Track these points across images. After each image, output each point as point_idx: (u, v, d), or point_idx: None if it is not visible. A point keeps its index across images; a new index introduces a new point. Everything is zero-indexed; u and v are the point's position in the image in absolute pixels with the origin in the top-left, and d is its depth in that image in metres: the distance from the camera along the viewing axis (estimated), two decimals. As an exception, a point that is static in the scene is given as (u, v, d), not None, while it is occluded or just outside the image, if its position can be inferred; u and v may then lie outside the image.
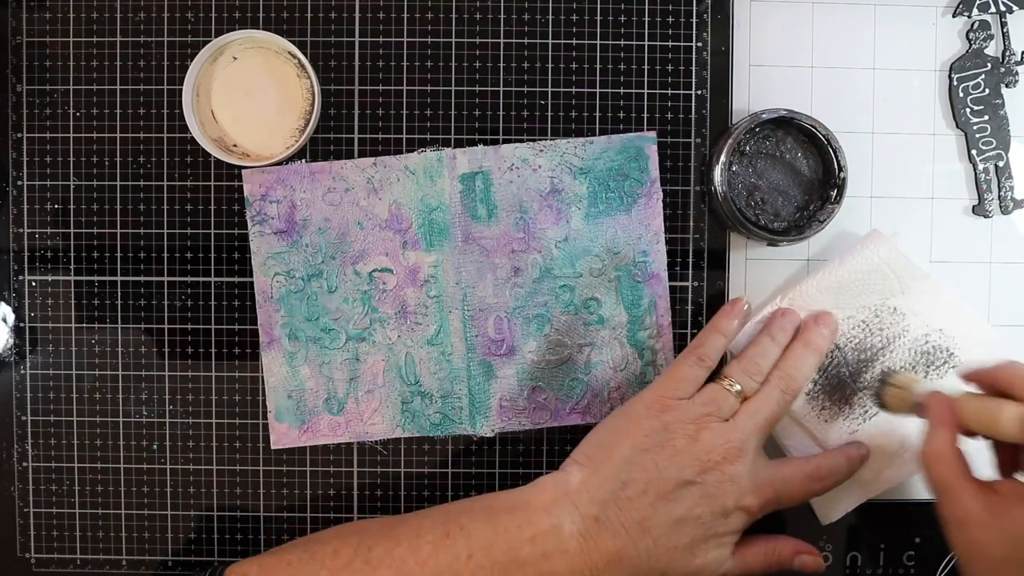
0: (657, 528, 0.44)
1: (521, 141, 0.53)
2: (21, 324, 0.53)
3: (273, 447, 0.53)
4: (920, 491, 0.54)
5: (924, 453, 0.43)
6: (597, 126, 0.53)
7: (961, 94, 0.54)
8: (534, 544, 0.43)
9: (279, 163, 0.52)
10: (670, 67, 0.53)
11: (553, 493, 0.45)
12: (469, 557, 0.43)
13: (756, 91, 0.54)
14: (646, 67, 0.53)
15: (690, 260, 0.54)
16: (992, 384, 0.43)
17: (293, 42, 0.51)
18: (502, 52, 0.53)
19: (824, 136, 0.51)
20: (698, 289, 0.54)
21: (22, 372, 0.53)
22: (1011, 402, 0.41)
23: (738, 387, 0.47)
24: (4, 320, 0.53)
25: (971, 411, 0.42)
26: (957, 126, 0.54)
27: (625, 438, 0.46)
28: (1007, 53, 0.54)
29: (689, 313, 0.54)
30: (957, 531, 0.41)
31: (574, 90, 0.53)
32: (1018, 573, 0.40)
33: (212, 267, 0.53)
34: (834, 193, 0.51)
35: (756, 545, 0.48)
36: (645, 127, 0.53)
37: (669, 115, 0.53)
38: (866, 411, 0.52)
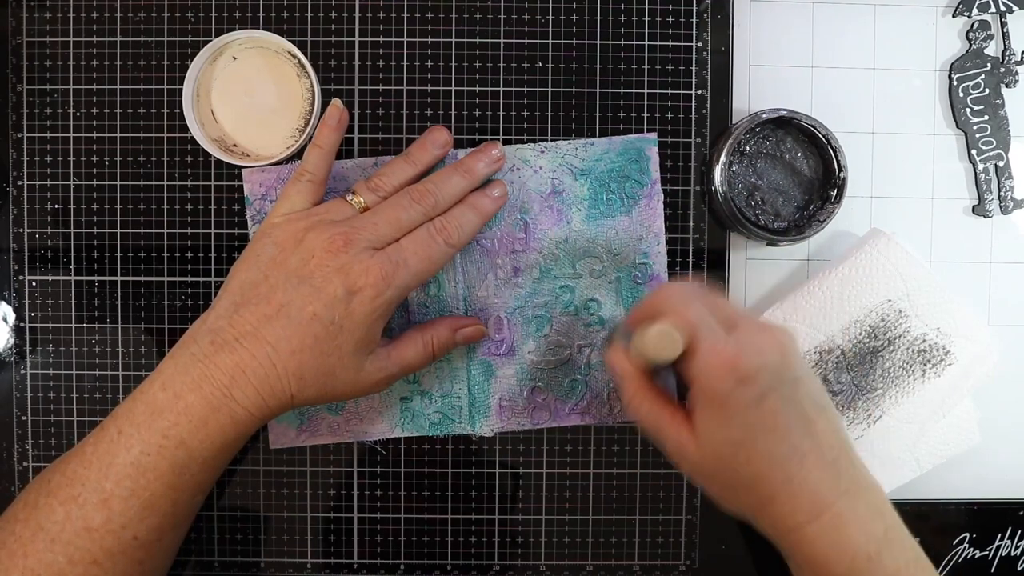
0: (273, 334, 0.44)
1: (522, 142, 0.53)
2: (21, 324, 0.53)
3: (272, 447, 0.53)
4: (918, 492, 0.54)
5: (625, 408, 0.45)
6: (597, 126, 0.53)
7: (961, 94, 0.54)
8: (165, 389, 0.43)
9: (279, 163, 0.52)
10: (670, 67, 0.53)
11: (179, 343, 0.46)
12: (119, 433, 0.43)
13: (756, 91, 0.54)
14: (646, 67, 0.53)
15: (690, 260, 0.54)
16: (648, 317, 0.42)
17: (293, 42, 0.51)
18: (502, 52, 0.53)
19: (824, 136, 0.51)
20: (698, 289, 0.54)
21: (22, 372, 0.53)
22: (650, 326, 0.41)
23: (360, 200, 0.47)
24: (4, 320, 0.53)
25: (635, 351, 0.42)
26: (957, 126, 0.54)
27: (240, 266, 0.46)
28: (1007, 53, 0.54)
29: (689, 313, 0.54)
30: (678, 460, 0.43)
31: (574, 90, 0.53)
32: (727, 476, 0.42)
33: (212, 267, 0.53)
34: (834, 193, 0.51)
35: (410, 338, 0.48)
36: (645, 127, 0.53)
37: (669, 115, 0.53)
38: (869, 415, 0.52)
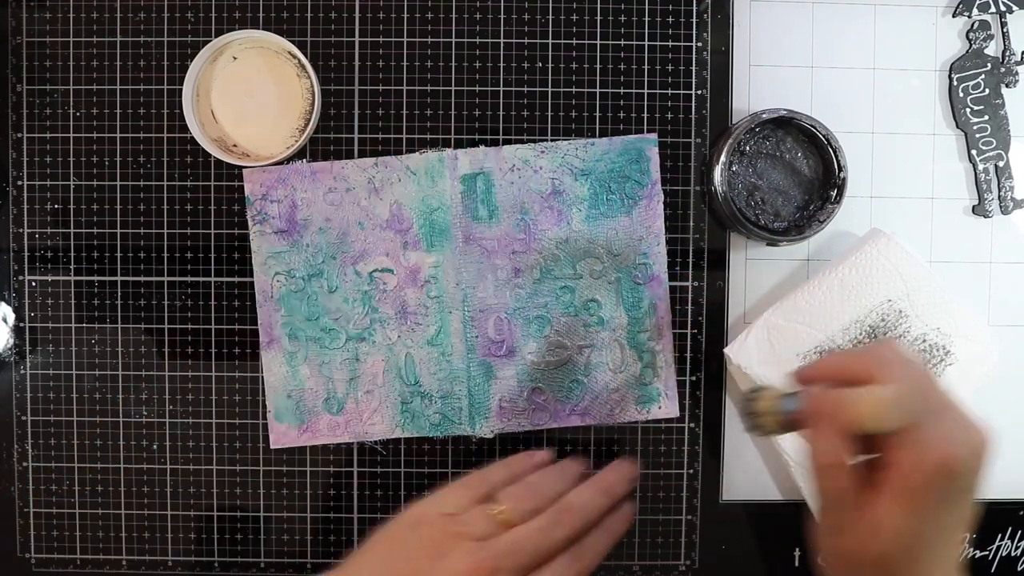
0: None
1: (521, 142, 0.53)
2: (21, 324, 0.53)
3: (272, 447, 0.53)
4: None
5: (816, 463, 0.37)
6: (597, 126, 0.53)
7: (961, 94, 0.54)
8: None
9: (279, 163, 0.52)
10: (670, 67, 0.53)
11: None
12: None
13: (756, 91, 0.54)
14: (646, 67, 0.53)
15: (690, 260, 0.54)
16: (847, 376, 0.38)
17: (293, 42, 0.51)
18: (502, 52, 0.53)
19: (824, 136, 0.51)
20: (698, 289, 0.54)
21: (22, 372, 0.53)
22: (875, 388, 0.37)
23: (502, 510, 0.43)
24: (4, 320, 0.53)
25: (857, 406, 0.37)
26: (957, 126, 0.54)
27: (375, 549, 0.43)
28: (1007, 53, 0.54)
29: (689, 313, 0.54)
30: (839, 540, 0.38)
31: (574, 90, 0.53)
32: (880, 567, 0.37)
33: (212, 267, 0.53)
34: (834, 193, 0.51)
35: None
36: (645, 127, 0.53)
37: (669, 115, 0.53)
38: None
